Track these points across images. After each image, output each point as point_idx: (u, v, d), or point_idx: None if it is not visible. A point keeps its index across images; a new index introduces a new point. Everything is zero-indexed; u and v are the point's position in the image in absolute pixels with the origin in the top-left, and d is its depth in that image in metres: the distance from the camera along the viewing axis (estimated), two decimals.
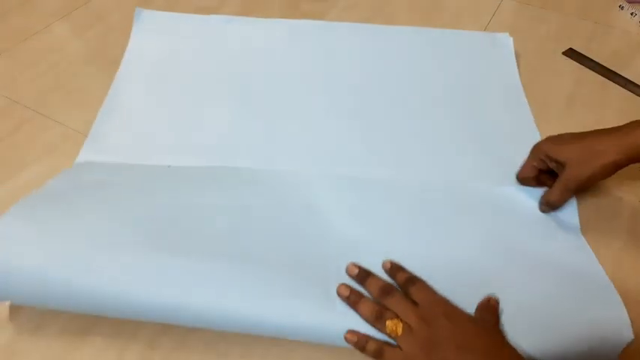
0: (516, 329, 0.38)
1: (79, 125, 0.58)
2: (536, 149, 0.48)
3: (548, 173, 0.49)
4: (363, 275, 0.39)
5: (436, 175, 0.52)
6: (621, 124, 0.45)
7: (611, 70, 0.64)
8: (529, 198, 0.50)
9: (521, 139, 0.53)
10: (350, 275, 0.40)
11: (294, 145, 0.55)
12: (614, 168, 0.44)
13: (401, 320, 0.36)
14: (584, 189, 0.49)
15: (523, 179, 0.50)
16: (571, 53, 0.67)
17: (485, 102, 0.60)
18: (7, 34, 0.70)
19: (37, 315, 0.42)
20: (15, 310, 0.43)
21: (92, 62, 0.66)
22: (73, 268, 0.37)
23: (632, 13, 0.74)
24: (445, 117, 0.58)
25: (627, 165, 0.44)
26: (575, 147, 0.45)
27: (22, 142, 0.56)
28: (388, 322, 0.36)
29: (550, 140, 0.47)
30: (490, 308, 0.39)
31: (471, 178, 0.52)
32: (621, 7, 0.75)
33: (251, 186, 0.50)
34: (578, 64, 0.66)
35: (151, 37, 0.67)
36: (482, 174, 0.52)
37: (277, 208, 0.47)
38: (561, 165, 0.46)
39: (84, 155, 0.53)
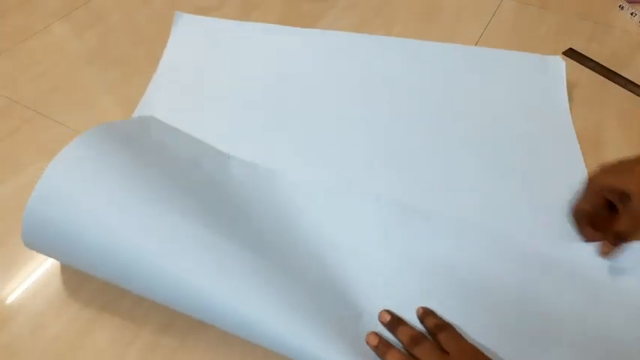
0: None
1: (79, 125, 0.58)
2: (593, 183, 0.43)
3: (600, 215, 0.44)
4: (394, 323, 0.39)
5: (475, 214, 0.48)
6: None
7: (611, 70, 0.64)
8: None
9: (568, 178, 0.50)
10: (381, 322, 0.39)
11: (329, 160, 0.53)
12: None
13: None
14: None
15: (577, 217, 0.45)
16: (571, 53, 0.67)
17: (531, 132, 0.56)
18: (7, 34, 0.70)
19: (37, 315, 0.42)
20: (15, 310, 0.43)
21: (92, 62, 0.66)
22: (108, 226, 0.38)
23: (632, 13, 0.74)
24: (486, 147, 0.55)
25: None
26: (635, 175, 0.41)
27: (22, 142, 0.56)
28: None
29: (607, 171, 0.43)
30: (439, 324, 0.38)
31: (521, 230, 0.47)
32: (621, 7, 0.75)
33: (284, 196, 0.49)
34: (578, 64, 0.66)
35: (189, 41, 0.68)
36: (536, 226, 0.47)
37: (310, 222, 0.47)
38: (626, 196, 0.41)
39: None
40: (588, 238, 0.45)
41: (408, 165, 0.53)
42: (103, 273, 0.39)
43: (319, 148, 0.55)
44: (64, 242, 0.38)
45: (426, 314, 0.40)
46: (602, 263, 0.43)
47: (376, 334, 0.38)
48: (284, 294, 0.38)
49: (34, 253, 0.46)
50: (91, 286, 0.44)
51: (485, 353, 0.36)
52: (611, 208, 0.43)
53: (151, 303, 0.43)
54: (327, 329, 0.37)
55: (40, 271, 0.45)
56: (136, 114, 0.58)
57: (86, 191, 0.39)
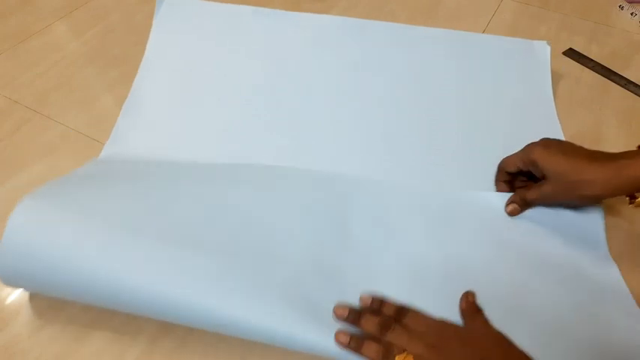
0: (537, 340, 0.38)
1: (79, 125, 0.58)
2: (526, 152, 0.47)
3: (525, 175, 0.49)
4: (355, 316, 0.38)
5: (452, 183, 0.51)
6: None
7: (611, 70, 0.64)
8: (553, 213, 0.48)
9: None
10: (340, 318, 0.38)
11: (318, 145, 0.54)
12: (594, 200, 0.45)
13: (409, 353, 0.35)
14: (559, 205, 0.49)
15: (501, 171, 0.50)
16: (571, 53, 0.67)
17: (513, 111, 0.58)
18: (7, 34, 0.70)
19: (37, 316, 0.42)
20: (15, 310, 0.43)
21: (92, 62, 0.66)
22: (87, 253, 0.37)
23: (632, 13, 0.74)
24: (471, 125, 0.57)
25: (611, 197, 0.45)
26: (565, 165, 0.44)
27: (22, 142, 0.56)
28: (397, 358, 0.35)
29: (543, 146, 0.46)
30: (472, 307, 0.39)
31: (483, 187, 0.51)
32: (621, 7, 0.75)
33: (273, 183, 0.49)
34: (578, 64, 0.66)
35: (174, 25, 0.65)
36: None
37: (296, 208, 0.47)
38: (544, 176, 0.45)
39: (107, 150, 0.54)
40: (498, 189, 0.50)
41: (392, 146, 0.55)
42: (86, 300, 0.39)
43: (310, 135, 0.55)
44: (41, 277, 0.38)
45: (378, 302, 0.39)
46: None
47: (344, 332, 0.37)
48: (271, 285, 0.39)
49: None
50: None
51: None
52: (531, 176, 0.48)
53: None
54: (320, 317, 0.37)
55: None
56: (124, 109, 0.57)
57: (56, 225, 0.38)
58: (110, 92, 0.62)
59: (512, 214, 0.48)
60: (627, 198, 0.49)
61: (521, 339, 0.36)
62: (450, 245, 0.46)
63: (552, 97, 0.60)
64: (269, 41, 0.64)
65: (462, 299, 0.40)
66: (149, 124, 0.56)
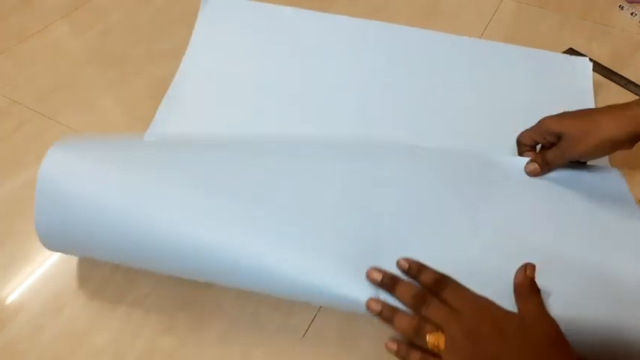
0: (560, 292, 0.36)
1: (79, 125, 0.58)
2: (540, 123, 0.47)
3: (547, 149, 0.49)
4: (389, 282, 0.35)
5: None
6: None
7: (612, 70, 0.64)
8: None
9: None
10: (373, 282, 0.35)
11: (353, 146, 0.54)
12: (610, 144, 0.43)
13: (442, 332, 0.32)
14: (584, 159, 0.49)
15: (519, 144, 0.50)
16: (571, 53, 0.67)
17: None
18: (7, 34, 0.70)
19: (37, 316, 0.42)
20: (15, 310, 0.43)
21: (92, 62, 0.66)
22: (122, 203, 0.37)
23: (632, 13, 0.74)
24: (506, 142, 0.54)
25: (631, 142, 0.43)
26: (576, 121, 0.44)
27: (22, 142, 0.56)
28: (429, 337, 0.32)
29: (554, 116, 0.46)
30: (528, 283, 0.35)
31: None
32: (621, 7, 0.75)
33: (305, 149, 0.49)
34: None
35: (218, 23, 0.66)
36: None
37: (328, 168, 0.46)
38: (560, 137, 0.45)
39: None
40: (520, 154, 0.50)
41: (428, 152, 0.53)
42: (122, 248, 0.39)
43: (344, 136, 0.55)
44: (78, 221, 0.38)
45: (417, 269, 0.36)
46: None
47: (377, 300, 0.35)
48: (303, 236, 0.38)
49: (33, 253, 0.46)
50: (90, 287, 0.44)
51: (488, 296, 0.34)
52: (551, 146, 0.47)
53: (151, 303, 0.43)
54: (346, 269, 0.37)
55: (39, 271, 0.45)
56: (163, 104, 0.57)
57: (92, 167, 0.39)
58: (110, 92, 0.62)
59: (532, 173, 0.47)
60: None
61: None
62: (478, 208, 0.45)
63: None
64: (307, 41, 0.65)
65: (518, 272, 0.35)
66: (187, 120, 0.57)
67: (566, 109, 0.52)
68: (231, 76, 0.61)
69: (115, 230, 0.37)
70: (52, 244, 0.41)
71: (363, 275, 0.36)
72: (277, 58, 0.63)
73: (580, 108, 0.55)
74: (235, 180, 0.41)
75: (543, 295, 0.35)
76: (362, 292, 0.35)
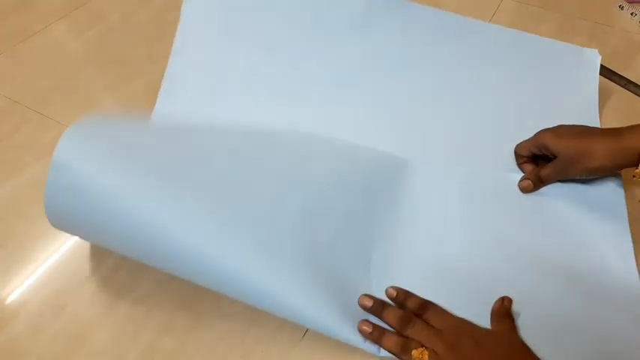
0: (541, 332, 0.39)
1: None
2: (538, 137, 0.49)
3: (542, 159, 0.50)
4: (378, 307, 0.39)
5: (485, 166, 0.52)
6: (621, 124, 0.45)
7: (612, 70, 0.64)
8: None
9: None
10: (364, 308, 0.39)
11: (362, 118, 0.55)
12: (600, 171, 0.46)
13: (426, 348, 0.36)
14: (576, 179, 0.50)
15: (517, 155, 0.51)
16: None
17: (556, 117, 0.55)
18: (7, 34, 0.70)
19: (37, 316, 0.42)
20: (15, 310, 0.43)
21: (92, 62, 0.66)
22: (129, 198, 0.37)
23: (632, 13, 0.74)
24: (509, 127, 0.55)
25: (618, 169, 0.46)
26: (572, 143, 0.46)
27: (22, 142, 0.56)
28: (414, 352, 0.36)
29: (552, 132, 0.48)
30: (503, 311, 0.39)
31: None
32: (621, 7, 0.75)
33: (310, 152, 0.49)
34: None
35: (204, 11, 0.61)
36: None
37: (332, 178, 0.47)
38: (555, 155, 0.47)
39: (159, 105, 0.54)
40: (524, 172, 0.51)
41: (429, 134, 0.55)
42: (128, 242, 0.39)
43: (350, 108, 0.55)
44: (88, 206, 0.37)
45: (405, 296, 0.40)
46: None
47: (368, 322, 0.38)
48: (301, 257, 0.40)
49: (33, 253, 0.46)
50: (90, 286, 0.44)
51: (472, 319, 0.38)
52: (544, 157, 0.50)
53: (151, 303, 0.43)
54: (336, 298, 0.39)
55: (39, 271, 0.45)
56: (158, 101, 0.56)
57: (104, 155, 0.39)
58: (110, 92, 0.62)
59: (525, 190, 0.49)
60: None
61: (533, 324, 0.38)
62: (473, 223, 0.47)
63: (597, 105, 0.58)
64: (310, 16, 0.62)
65: (496, 301, 0.40)
66: (191, 96, 0.56)
67: (571, 101, 0.54)
68: (225, 55, 0.59)
69: (117, 221, 0.37)
70: (57, 223, 0.40)
71: (347, 306, 0.39)
72: (272, 40, 0.61)
73: (584, 100, 0.57)
74: (242, 194, 0.41)
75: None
76: (346, 319, 0.38)
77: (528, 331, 0.39)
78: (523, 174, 0.50)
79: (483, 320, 0.39)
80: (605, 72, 0.64)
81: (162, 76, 0.60)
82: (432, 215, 0.47)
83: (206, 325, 0.42)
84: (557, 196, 0.49)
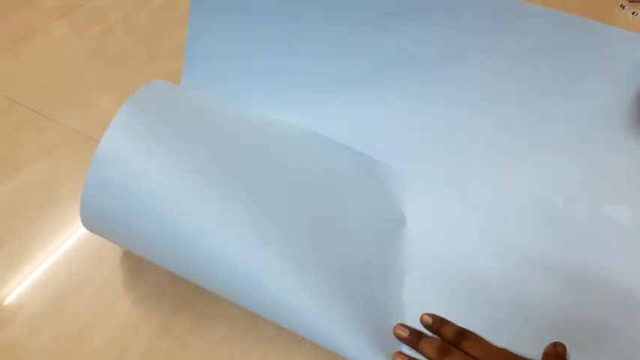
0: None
1: (79, 125, 0.58)
2: None
3: None
4: (414, 338, 0.37)
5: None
6: None
7: None
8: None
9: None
10: (399, 338, 0.38)
11: (391, 128, 0.52)
12: None
13: None
14: None
15: None
16: None
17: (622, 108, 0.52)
18: (7, 33, 0.70)
19: (37, 316, 0.42)
20: (15, 310, 0.43)
21: (92, 62, 0.66)
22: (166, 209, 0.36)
23: (633, 13, 0.74)
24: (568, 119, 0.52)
25: None
26: None
27: (22, 142, 0.56)
28: None
29: None
30: (557, 356, 0.37)
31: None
32: (622, 7, 0.75)
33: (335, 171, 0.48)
34: None
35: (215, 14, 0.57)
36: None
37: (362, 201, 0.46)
38: None
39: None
40: None
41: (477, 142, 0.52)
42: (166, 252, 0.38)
43: (384, 116, 0.53)
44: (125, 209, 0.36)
45: (439, 323, 0.38)
46: None
47: (402, 353, 0.36)
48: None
49: (33, 253, 0.46)
50: (90, 286, 0.44)
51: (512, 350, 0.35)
52: None
53: (151, 303, 0.43)
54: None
55: (39, 271, 0.45)
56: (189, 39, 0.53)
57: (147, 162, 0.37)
58: (110, 92, 0.62)
59: None
60: None
61: None
62: (505, 243, 0.45)
63: None
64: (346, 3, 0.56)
65: (550, 344, 0.38)
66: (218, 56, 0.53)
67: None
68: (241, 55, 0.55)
69: (155, 226, 0.36)
70: (90, 220, 0.39)
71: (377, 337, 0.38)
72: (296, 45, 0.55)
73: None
74: (285, 210, 0.40)
75: None
76: (379, 349, 0.37)
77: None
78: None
79: (528, 347, 0.37)
80: None
81: (162, 75, 0.60)
82: (465, 239, 0.45)
83: (206, 325, 0.42)
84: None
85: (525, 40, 0.52)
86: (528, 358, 0.36)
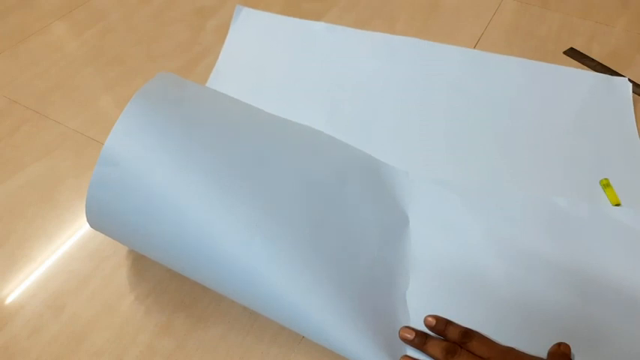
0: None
1: (78, 125, 0.58)
2: None
3: None
4: (420, 340, 0.37)
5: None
6: None
7: (613, 70, 0.64)
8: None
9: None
10: (405, 341, 0.38)
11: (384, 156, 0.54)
12: None
13: None
14: None
15: None
16: (572, 53, 0.67)
17: (597, 150, 0.55)
18: (7, 33, 0.70)
19: (37, 316, 0.42)
20: (15, 310, 0.43)
21: (92, 62, 0.66)
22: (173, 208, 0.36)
23: None
24: (548, 158, 0.54)
25: None
26: None
27: (22, 142, 0.56)
28: None
29: None
30: (562, 355, 0.37)
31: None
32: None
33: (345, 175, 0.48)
34: (579, 63, 0.66)
35: (249, 35, 0.69)
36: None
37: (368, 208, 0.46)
38: None
39: None
40: None
41: (461, 170, 0.53)
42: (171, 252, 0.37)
43: (376, 147, 0.54)
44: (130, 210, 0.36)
45: (443, 324, 0.38)
46: None
47: (409, 357, 0.37)
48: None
49: (33, 253, 0.46)
50: (90, 286, 0.44)
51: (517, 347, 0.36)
52: None
53: (151, 303, 0.43)
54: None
55: (39, 271, 0.45)
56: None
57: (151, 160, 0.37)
58: (110, 92, 0.62)
59: None
60: None
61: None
62: (509, 246, 0.45)
63: (637, 134, 0.56)
64: (339, 56, 0.66)
65: (555, 344, 0.38)
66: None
67: (607, 131, 0.54)
68: (259, 87, 0.61)
69: (162, 226, 0.36)
70: (95, 219, 0.39)
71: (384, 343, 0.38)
72: (307, 70, 0.64)
73: (621, 130, 0.56)
74: (290, 212, 0.40)
75: None
76: (386, 352, 0.37)
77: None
78: (567, 199, 0.49)
79: (530, 347, 0.38)
80: (607, 71, 0.64)
81: None
82: (468, 242, 0.46)
83: (206, 325, 0.42)
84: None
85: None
86: (534, 355, 0.36)
